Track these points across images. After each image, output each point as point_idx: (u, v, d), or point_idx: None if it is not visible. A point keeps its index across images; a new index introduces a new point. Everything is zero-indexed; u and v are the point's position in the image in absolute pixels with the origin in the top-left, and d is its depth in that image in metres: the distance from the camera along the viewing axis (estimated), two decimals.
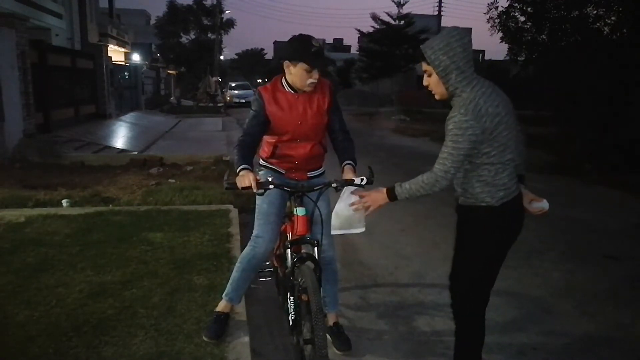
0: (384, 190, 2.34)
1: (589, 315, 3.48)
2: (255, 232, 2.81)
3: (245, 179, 2.40)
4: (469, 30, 2.23)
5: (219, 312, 2.91)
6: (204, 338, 2.76)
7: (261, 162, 2.87)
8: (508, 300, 3.62)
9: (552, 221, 5.24)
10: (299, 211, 2.55)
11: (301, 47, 2.52)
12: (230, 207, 5.49)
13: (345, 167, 2.65)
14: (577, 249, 4.87)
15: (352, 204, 2.42)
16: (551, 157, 9.59)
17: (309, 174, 2.80)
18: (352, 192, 2.45)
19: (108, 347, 2.67)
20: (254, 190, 2.41)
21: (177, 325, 2.91)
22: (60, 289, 3.34)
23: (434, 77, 2.22)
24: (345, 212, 2.44)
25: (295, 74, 2.56)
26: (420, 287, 3.90)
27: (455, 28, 2.23)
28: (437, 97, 2.30)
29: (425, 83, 2.29)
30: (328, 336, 2.83)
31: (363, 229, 2.52)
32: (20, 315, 2.99)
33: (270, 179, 2.60)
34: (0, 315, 3.00)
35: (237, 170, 2.48)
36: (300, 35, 2.59)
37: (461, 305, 2.44)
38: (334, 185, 2.50)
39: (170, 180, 7.12)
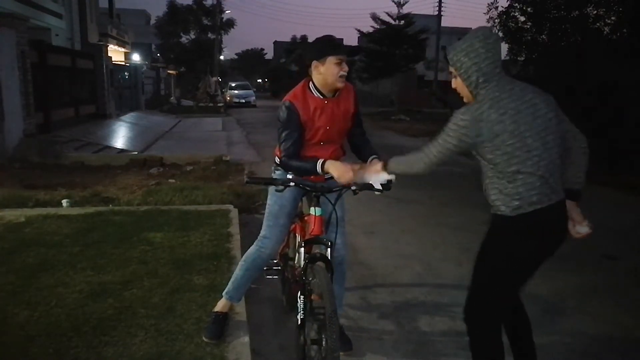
0: (381, 164, 2.46)
1: (589, 315, 3.48)
2: (262, 232, 2.82)
3: (344, 169, 2.48)
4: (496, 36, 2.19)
5: (217, 312, 2.91)
6: (204, 339, 2.76)
7: (277, 160, 2.83)
8: None
9: None
10: (316, 211, 2.55)
11: (326, 44, 2.60)
12: (230, 207, 5.49)
13: (373, 160, 2.70)
14: (577, 249, 4.85)
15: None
16: None
17: (326, 176, 2.76)
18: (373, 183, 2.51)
19: (108, 347, 2.67)
20: (349, 184, 2.46)
21: (177, 325, 2.91)
22: (60, 289, 3.34)
23: (459, 79, 2.18)
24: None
25: (325, 71, 2.58)
26: (421, 287, 3.90)
27: (482, 28, 2.18)
28: (465, 99, 2.24)
29: (453, 85, 2.25)
30: None
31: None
32: (20, 315, 2.99)
33: (290, 177, 2.60)
34: (0, 315, 3.00)
35: (320, 165, 2.52)
36: (323, 35, 2.68)
37: (469, 313, 2.37)
38: (353, 188, 2.51)
39: (170, 180, 7.12)
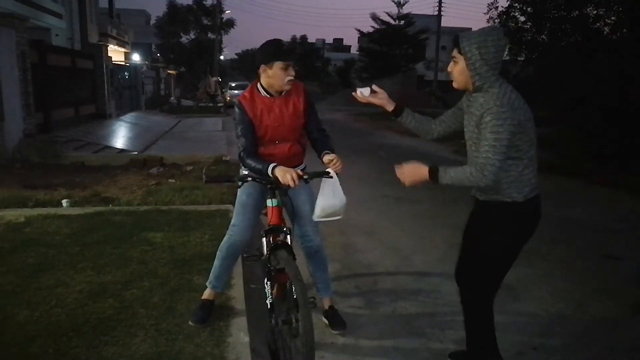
0: (426, 169, 2.32)
1: (589, 315, 3.48)
2: (232, 221, 3.00)
3: (289, 175, 2.52)
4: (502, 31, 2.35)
5: (204, 299, 3.07)
6: (190, 323, 2.90)
7: None
8: (508, 300, 3.61)
9: (552, 221, 5.24)
10: (270, 202, 2.73)
11: (273, 49, 2.75)
12: (230, 207, 5.48)
13: (325, 155, 2.79)
14: (577, 249, 4.87)
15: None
16: (551, 157, 9.60)
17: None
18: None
19: (108, 347, 2.67)
20: (294, 184, 2.54)
21: (177, 325, 2.91)
22: (60, 289, 3.34)
23: (460, 66, 2.30)
24: (328, 203, 2.65)
25: (272, 75, 2.73)
26: (420, 286, 3.89)
27: (497, 28, 2.37)
28: (454, 84, 2.39)
29: (449, 69, 2.37)
30: (325, 319, 3.11)
31: (340, 217, 2.74)
32: (20, 315, 2.99)
33: (246, 173, 2.80)
34: (0, 315, 3.00)
35: (270, 170, 2.61)
36: (269, 40, 2.82)
37: (472, 297, 2.54)
38: (305, 177, 2.66)
39: (170, 180, 7.12)
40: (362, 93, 2.60)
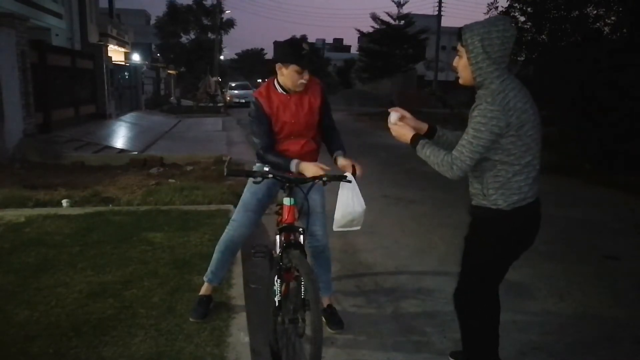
0: (410, 135, 2.33)
1: (589, 315, 3.48)
2: (233, 216, 3.05)
3: (316, 169, 2.63)
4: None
5: (201, 295, 3.12)
6: (190, 319, 2.94)
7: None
8: (508, 300, 3.61)
9: (553, 221, 5.24)
10: (287, 201, 2.71)
11: (293, 50, 2.76)
12: (231, 207, 5.48)
13: (337, 157, 2.88)
14: (577, 249, 4.87)
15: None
16: (551, 157, 9.59)
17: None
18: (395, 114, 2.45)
19: (108, 347, 2.67)
20: (320, 179, 2.60)
21: (177, 325, 2.91)
22: (60, 289, 3.34)
23: (464, 60, 2.15)
24: (347, 210, 2.67)
25: (287, 75, 2.77)
26: (420, 287, 3.90)
27: (503, 18, 2.17)
28: (460, 81, 2.25)
29: (454, 63, 2.24)
30: (323, 317, 3.04)
31: (359, 227, 2.78)
32: (20, 315, 2.99)
33: (267, 169, 2.78)
34: (0, 315, 3.00)
35: (295, 165, 2.70)
36: (292, 38, 2.79)
37: (461, 303, 2.48)
38: (323, 179, 2.66)
39: (170, 180, 7.12)
40: (396, 120, 2.42)
